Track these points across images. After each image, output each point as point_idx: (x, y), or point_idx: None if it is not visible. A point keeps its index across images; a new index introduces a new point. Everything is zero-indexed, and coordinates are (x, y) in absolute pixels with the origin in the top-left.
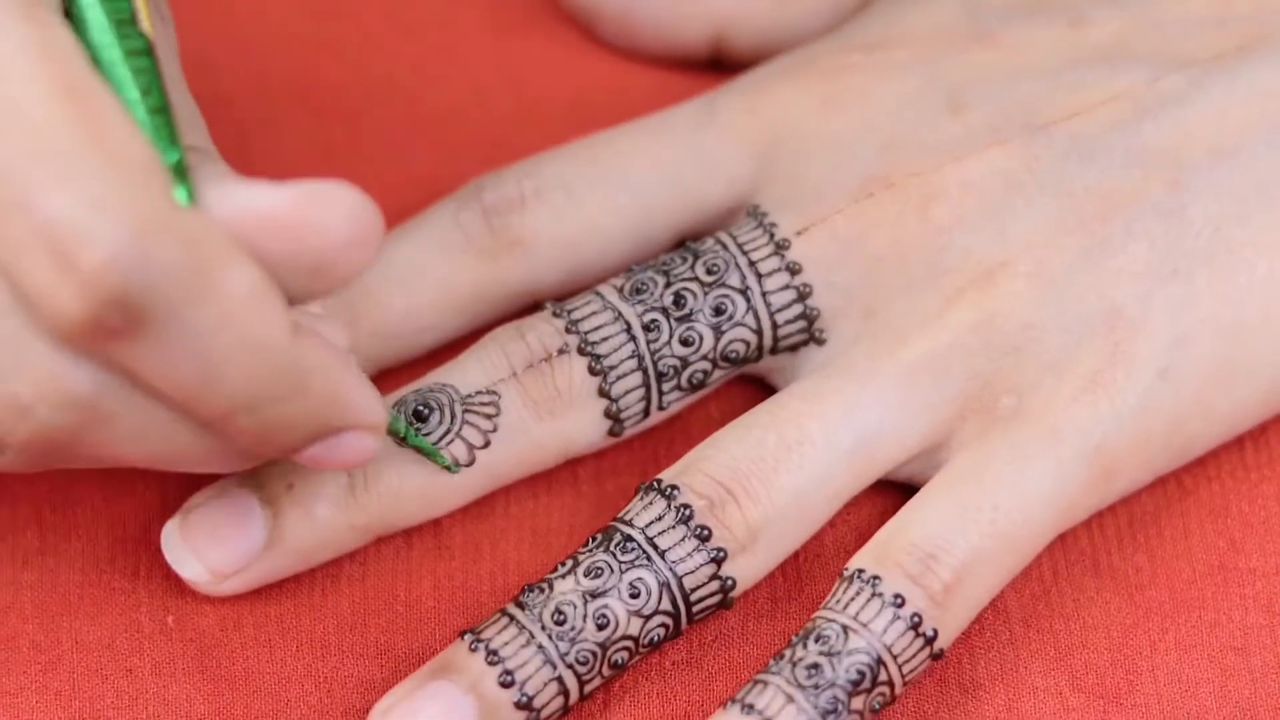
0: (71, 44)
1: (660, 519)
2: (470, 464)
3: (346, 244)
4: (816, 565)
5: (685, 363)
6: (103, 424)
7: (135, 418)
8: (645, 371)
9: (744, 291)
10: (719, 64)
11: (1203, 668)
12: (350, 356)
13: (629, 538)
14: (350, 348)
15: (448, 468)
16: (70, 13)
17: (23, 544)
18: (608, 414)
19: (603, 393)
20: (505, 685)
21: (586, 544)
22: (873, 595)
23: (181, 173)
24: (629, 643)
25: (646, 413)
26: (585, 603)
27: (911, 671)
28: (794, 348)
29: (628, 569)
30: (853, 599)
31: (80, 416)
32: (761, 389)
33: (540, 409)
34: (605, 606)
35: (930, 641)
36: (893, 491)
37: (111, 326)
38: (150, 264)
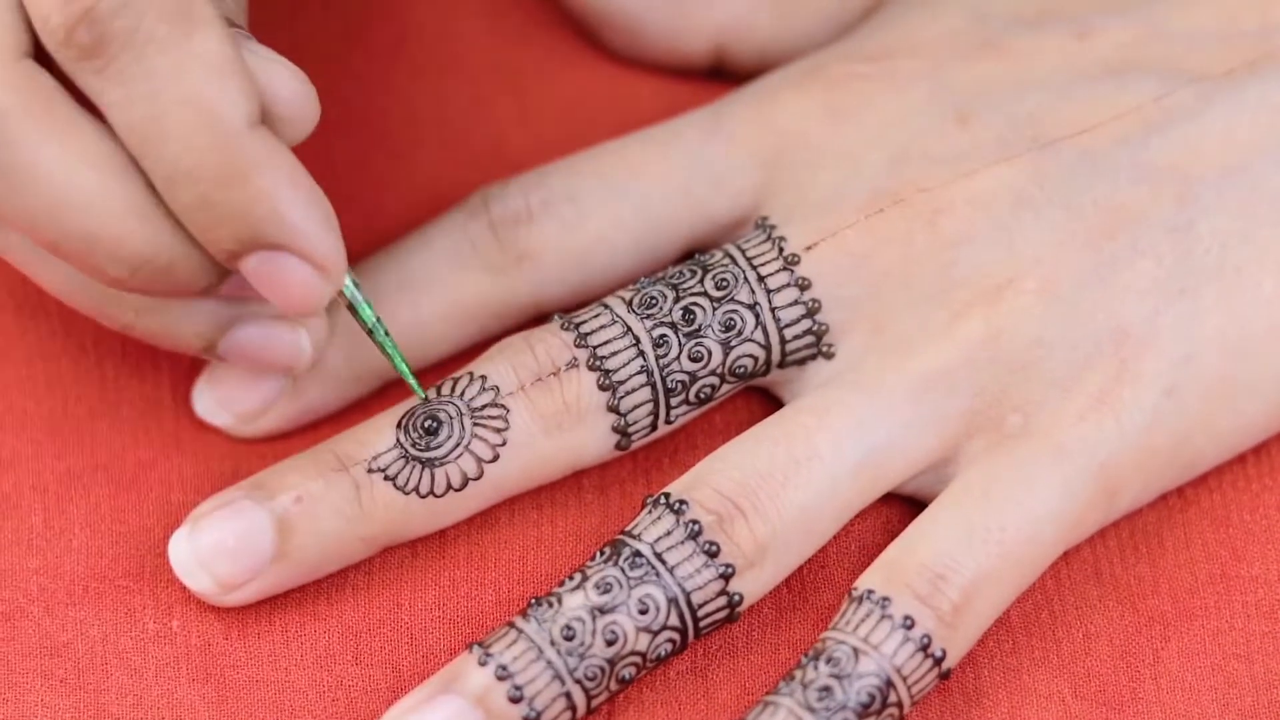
0: None
1: (669, 534)
2: (479, 478)
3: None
4: (821, 576)
5: (694, 378)
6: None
7: (41, 150)
8: (654, 387)
9: (753, 307)
10: (720, 74)
11: (1205, 675)
12: (313, 188)
13: (638, 553)
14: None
15: (420, 393)
16: None
17: (26, 529)
18: (615, 429)
19: (611, 408)
20: (514, 700)
21: (594, 558)
22: (882, 617)
23: None
24: (637, 658)
25: (654, 427)
26: (594, 619)
27: (920, 692)
28: (801, 362)
29: (637, 585)
30: (863, 620)
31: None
32: (765, 397)
33: (548, 423)
34: (614, 623)
35: (939, 662)
36: (896, 503)
37: (82, 43)
38: None
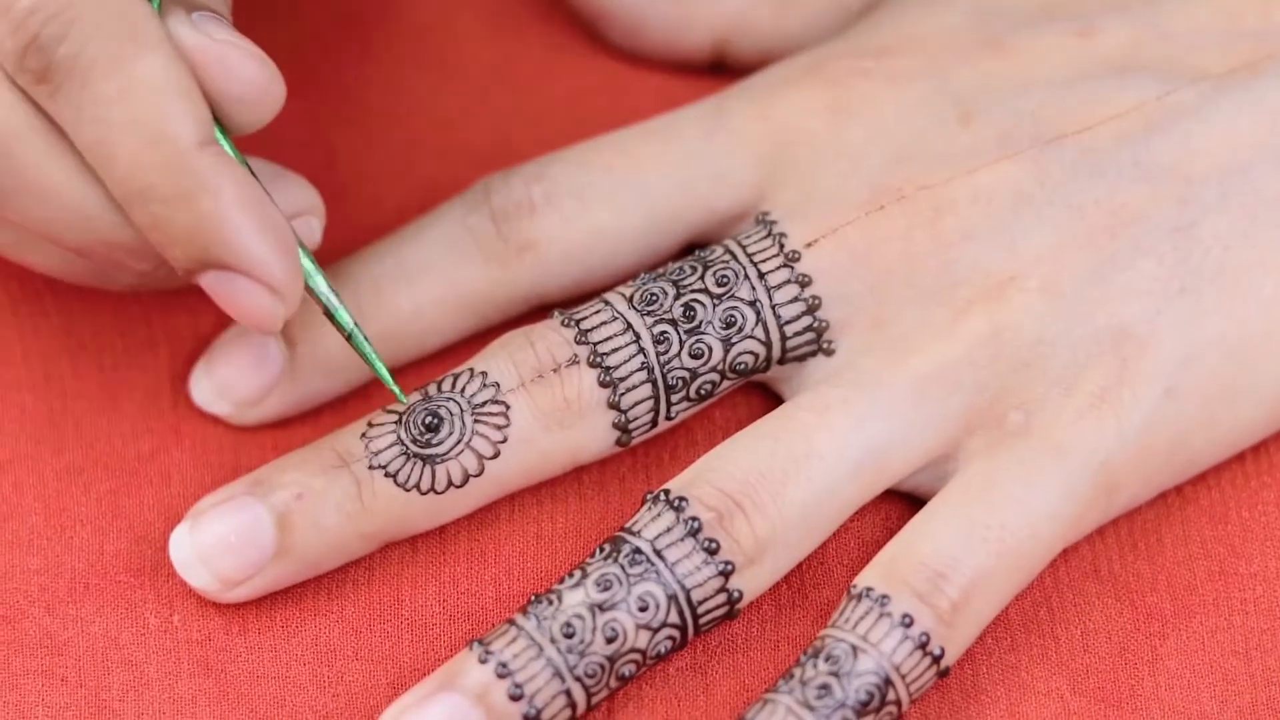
0: None
1: (669, 531)
2: (480, 474)
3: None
4: (820, 572)
5: (694, 375)
6: (10, 161)
7: (46, 169)
8: (654, 384)
9: (754, 304)
10: (721, 68)
11: (1203, 672)
12: (266, 210)
13: (637, 550)
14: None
15: (399, 397)
16: None
17: (26, 529)
18: (616, 425)
19: (612, 405)
20: (514, 698)
21: (594, 554)
22: (881, 615)
23: None
24: (636, 655)
25: (654, 423)
26: (594, 616)
27: (919, 690)
28: (802, 358)
29: (636, 582)
30: (861, 618)
31: None
32: (765, 392)
33: (549, 420)
34: (614, 620)
35: (937, 660)
36: (896, 500)
37: (33, 68)
38: (68, 20)
